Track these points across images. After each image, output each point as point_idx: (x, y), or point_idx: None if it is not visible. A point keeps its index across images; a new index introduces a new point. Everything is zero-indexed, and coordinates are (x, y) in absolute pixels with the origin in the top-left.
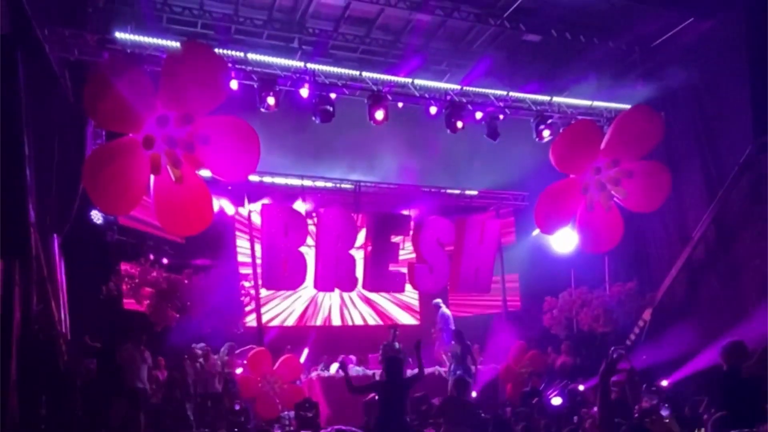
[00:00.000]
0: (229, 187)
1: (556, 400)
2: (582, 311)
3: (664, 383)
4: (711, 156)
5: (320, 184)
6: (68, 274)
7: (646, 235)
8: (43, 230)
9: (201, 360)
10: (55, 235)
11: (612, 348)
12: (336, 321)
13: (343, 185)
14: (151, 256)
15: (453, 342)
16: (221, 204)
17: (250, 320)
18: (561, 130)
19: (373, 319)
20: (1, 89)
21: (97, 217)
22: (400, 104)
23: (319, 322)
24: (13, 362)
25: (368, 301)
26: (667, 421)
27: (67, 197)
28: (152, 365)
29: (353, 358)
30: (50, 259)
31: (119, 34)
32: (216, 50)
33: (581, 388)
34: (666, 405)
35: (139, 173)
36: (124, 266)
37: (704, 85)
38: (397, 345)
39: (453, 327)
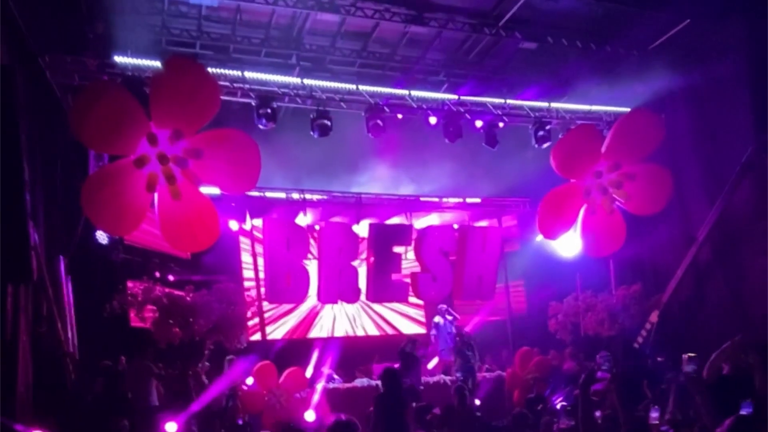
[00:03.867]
0: (233, 203)
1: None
2: (587, 316)
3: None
4: (713, 156)
5: (321, 197)
6: (76, 294)
7: (650, 238)
8: (49, 252)
9: (204, 377)
10: (61, 257)
11: (599, 355)
12: (339, 332)
13: (344, 197)
14: (157, 274)
15: (456, 339)
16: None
17: (255, 335)
18: (560, 136)
19: (377, 330)
20: (1, 118)
21: (102, 237)
22: (399, 116)
23: (323, 333)
24: (21, 383)
25: (372, 312)
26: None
27: (71, 219)
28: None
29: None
30: (56, 281)
31: (119, 58)
32: (214, 70)
33: None
34: (656, 407)
35: (136, 193)
36: (130, 284)
37: (704, 86)
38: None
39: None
